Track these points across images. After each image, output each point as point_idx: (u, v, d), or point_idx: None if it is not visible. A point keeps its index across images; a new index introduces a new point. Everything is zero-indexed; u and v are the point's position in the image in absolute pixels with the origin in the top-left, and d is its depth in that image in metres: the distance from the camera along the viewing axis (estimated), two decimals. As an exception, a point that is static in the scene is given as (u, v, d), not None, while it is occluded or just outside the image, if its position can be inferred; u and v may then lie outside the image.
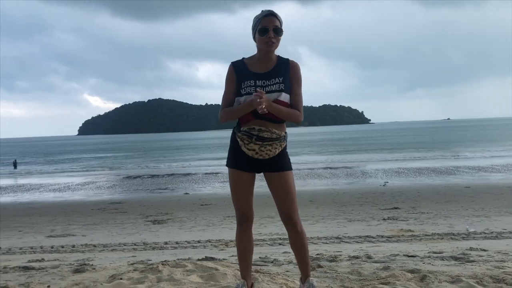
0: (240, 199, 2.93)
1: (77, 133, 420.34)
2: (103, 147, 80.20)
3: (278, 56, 2.94)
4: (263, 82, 2.82)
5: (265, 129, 2.78)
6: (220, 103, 2.99)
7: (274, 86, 2.82)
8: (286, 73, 2.87)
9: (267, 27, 2.79)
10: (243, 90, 2.84)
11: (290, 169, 2.94)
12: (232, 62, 2.95)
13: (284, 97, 2.83)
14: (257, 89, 2.77)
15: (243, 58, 2.96)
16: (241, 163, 2.88)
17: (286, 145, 2.91)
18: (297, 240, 2.93)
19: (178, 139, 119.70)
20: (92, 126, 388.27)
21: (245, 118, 2.84)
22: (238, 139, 2.85)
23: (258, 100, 2.66)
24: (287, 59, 2.94)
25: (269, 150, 2.81)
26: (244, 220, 2.94)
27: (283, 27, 2.87)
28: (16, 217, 11.34)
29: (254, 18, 2.88)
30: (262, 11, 2.86)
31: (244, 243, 2.97)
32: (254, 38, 2.89)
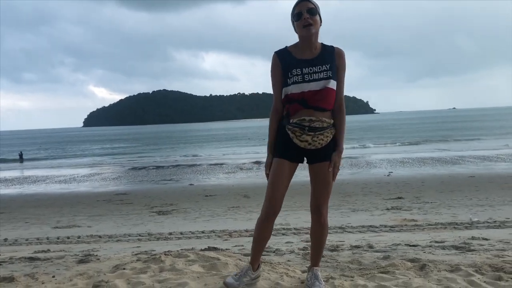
0: (276, 190, 2.88)
1: (82, 125, 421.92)
2: (108, 139, 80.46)
3: (322, 43, 2.89)
4: (310, 69, 2.78)
5: (315, 119, 2.78)
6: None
7: (322, 73, 2.79)
8: (333, 60, 2.84)
9: (301, 11, 2.77)
10: (290, 79, 2.80)
11: None
12: (275, 52, 2.90)
13: (332, 84, 2.82)
14: (304, 70, 2.77)
15: (286, 47, 2.91)
16: (289, 153, 2.87)
17: (335, 132, 2.92)
18: (319, 231, 3.00)
19: (183, 130, 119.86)
20: (97, 118, 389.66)
21: (294, 109, 2.82)
22: (289, 132, 2.83)
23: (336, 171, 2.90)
24: (332, 46, 2.90)
25: (321, 140, 2.83)
26: (272, 213, 2.91)
27: (320, 11, 2.84)
28: (23, 208, 11.46)
29: (291, 12, 2.86)
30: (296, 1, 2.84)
31: (265, 232, 2.98)
32: (295, 29, 2.86)
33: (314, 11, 2.77)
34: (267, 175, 2.93)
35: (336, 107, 2.91)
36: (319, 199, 2.93)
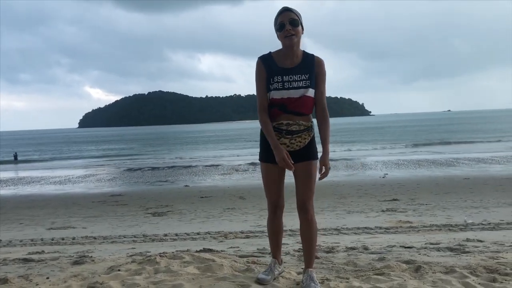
0: (273, 190, 3.15)
1: (77, 125, 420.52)
2: (104, 140, 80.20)
3: (304, 51, 3.05)
4: (290, 77, 2.95)
5: (292, 123, 2.95)
6: (257, 100, 3.05)
7: (301, 82, 2.95)
8: (312, 69, 3.00)
9: (283, 22, 2.92)
10: (272, 86, 2.97)
11: (316, 158, 3.07)
12: (259, 57, 3.05)
13: (311, 92, 2.99)
14: (285, 78, 2.93)
15: (270, 52, 3.06)
16: (272, 157, 3.01)
17: (314, 135, 3.07)
18: (308, 230, 3.07)
19: (179, 131, 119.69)
20: (93, 119, 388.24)
21: (274, 113, 2.99)
22: None
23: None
24: (312, 55, 3.05)
25: (299, 142, 2.99)
26: (277, 209, 3.19)
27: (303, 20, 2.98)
28: (17, 209, 11.40)
29: (274, 20, 3.00)
30: (278, 10, 2.99)
31: (276, 227, 3.25)
32: (277, 36, 3.00)
33: (296, 23, 2.92)
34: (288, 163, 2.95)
35: (319, 112, 3.08)
36: (303, 196, 3.05)
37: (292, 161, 2.94)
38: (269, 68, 2.98)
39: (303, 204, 3.05)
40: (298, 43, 2.98)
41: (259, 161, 3.18)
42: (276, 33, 2.98)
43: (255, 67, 3.05)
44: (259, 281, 3.09)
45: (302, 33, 2.98)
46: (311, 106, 3.02)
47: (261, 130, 3.07)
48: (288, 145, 2.98)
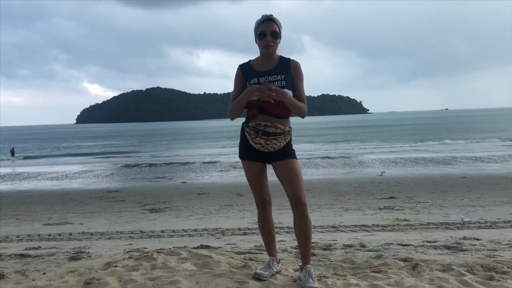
0: (257, 187, 3.21)
1: (75, 121, 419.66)
2: (101, 136, 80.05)
3: (281, 56, 3.15)
4: (266, 78, 3.03)
5: (270, 125, 3.00)
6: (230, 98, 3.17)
7: (276, 82, 3.01)
8: (288, 71, 3.08)
9: (265, 32, 3.02)
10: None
11: (295, 157, 3.13)
12: (239, 65, 3.18)
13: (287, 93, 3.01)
14: (261, 79, 3.00)
15: (249, 60, 3.19)
16: (251, 155, 3.13)
17: (290, 139, 3.12)
18: (303, 226, 3.06)
19: (176, 128, 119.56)
20: (90, 115, 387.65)
21: (252, 114, 3.06)
22: (246, 134, 3.08)
23: (261, 87, 2.87)
24: (288, 59, 3.15)
25: (274, 144, 3.03)
26: (265, 205, 3.24)
27: (283, 28, 3.10)
28: (14, 205, 11.37)
29: (255, 22, 3.09)
30: (262, 16, 3.07)
31: (268, 225, 3.28)
32: (255, 41, 3.10)
33: (276, 35, 3.04)
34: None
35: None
36: (296, 192, 3.04)
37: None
38: (246, 73, 3.10)
39: (298, 200, 3.03)
40: (275, 51, 3.10)
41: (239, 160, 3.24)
42: (255, 38, 3.08)
43: None
44: (257, 276, 3.09)
45: (279, 44, 3.09)
46: (289, 108, 3.03)
47: (241, 129, 3.14)
48: (263, 145, 3.02)
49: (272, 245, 3.32)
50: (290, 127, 3.10)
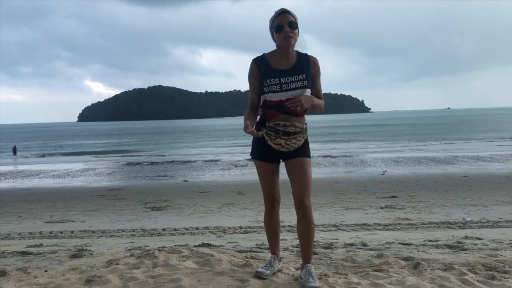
0: (268, 187, 3.16)
1: (77, 119, 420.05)
2: (103, 134, 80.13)
3: (297, 51, 3.06)
4: (287, 78, 2.95)
5: (289, 124, 2.96)
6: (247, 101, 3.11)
7: (298, 83, 2.96)
8: (308, 69, 3.02)
9: (282, 24, 2.92)
10: (266, 88, 2.97)
11: (309, 156, 3.10)
12: (254, 59, 3.06)
13: (308, 92, 2.99)
14: (282, 80, 2.93)
15: (264, 54, 3.07)
16: (266, 155, 3.06)
17: (307, 136, 3.11)
18: (306, 228, 3.04)
19: (178, 126, 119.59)
20: (92, 113, 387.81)
21: (270, 114, 2.99)
22: (265, 135, 3.00)
23: (295, 104, 2.83)
24: (306, 54, 3.08)
25: (294, 143, 3.00)
26: (274, 204, 3.20)
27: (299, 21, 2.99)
28: (16, 203, 11.40)
29: (270, 20, 3.01)
30: (276, 11, 2.99)
31: (274, 223, 3.26)
32: (273, 38, 3.01)
33: (294, 25, 2.94)
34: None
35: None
36: (301, 193, 3.01)
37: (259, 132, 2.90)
38: (262, 70, 3.00)
39: (301, 202, 3.00)
40: (293, 45, 3.00)
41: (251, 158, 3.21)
42: (272, 33, 2.99)
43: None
44: (258, 275, 3.09)
45: (298, 36, 3.00)
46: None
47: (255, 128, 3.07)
48: (283, 146, 2.98)
49: (276, 244, 3.32)
50: (306, 124, 3.07)
